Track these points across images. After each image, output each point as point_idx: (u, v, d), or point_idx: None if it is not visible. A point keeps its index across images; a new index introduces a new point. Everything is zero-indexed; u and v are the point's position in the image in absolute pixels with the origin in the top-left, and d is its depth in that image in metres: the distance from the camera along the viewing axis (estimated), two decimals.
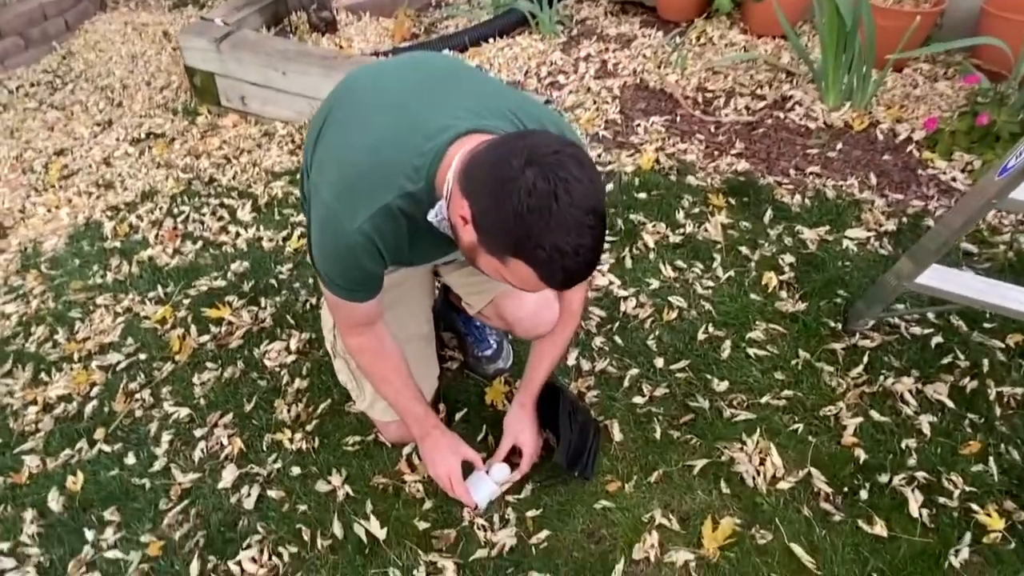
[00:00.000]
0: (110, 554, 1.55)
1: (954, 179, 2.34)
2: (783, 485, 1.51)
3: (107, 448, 1.80)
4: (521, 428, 1.50)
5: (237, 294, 2.22)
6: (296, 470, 1.65)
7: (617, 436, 1.64)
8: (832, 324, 1.87)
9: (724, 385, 1.73)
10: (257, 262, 2.35)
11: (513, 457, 1.52)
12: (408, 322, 1.53)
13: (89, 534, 1.60)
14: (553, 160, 0.88)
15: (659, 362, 1.80)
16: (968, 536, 1.41)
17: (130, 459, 1.76)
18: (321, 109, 1.25)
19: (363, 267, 1.16)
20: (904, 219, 2.19)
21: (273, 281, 2.25)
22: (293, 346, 1.99)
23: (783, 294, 1.97)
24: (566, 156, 0.89)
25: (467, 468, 1.49)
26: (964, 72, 2.72)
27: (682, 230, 2.21)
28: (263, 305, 2.16)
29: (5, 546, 1.59)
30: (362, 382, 1.57)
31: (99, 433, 1.84)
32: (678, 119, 2.77)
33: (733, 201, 2.31)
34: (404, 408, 1.43)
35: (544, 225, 0.87)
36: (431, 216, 1.06)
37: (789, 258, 2.08)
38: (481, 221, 0.94)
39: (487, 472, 1.48)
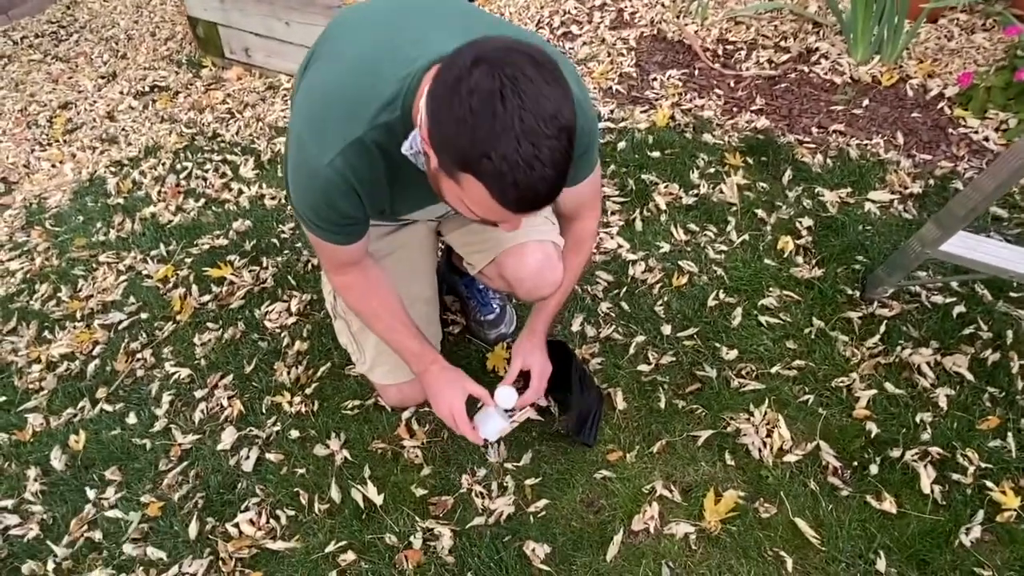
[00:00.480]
0: (111, 513, 1.56)
1: (987, 139, 2.21)
2: (790, 458, 1.47)
3: (109, 408, 1.80)
4: (530, 351, 1.41)
5: (239, 253, 2.18)
6: (295, 433, 1.64)
7: (620, 405, 1.60)
8: (849, 292, 1.79)
9: (733, 354, 1.67)
10: (259, 220, 2.30)
11: (519, 385, 1.44)
12: (410, 285, 1.48)
13: (91, 493, 1.61)
14: (503, 57, 0.76)
15: (666, 329, 1.74)
16: (981, 514, 1.36)
17: (131, 419, 1.76)
18: (307, 54, 1.19)
19: (337, 207, 1.07)
20: (931, 181, 2.09)
21: (275, 240, 2.21)
22: (294, 307, 1.96)
23: (799, 259, 1.89)
24: (520, 54, 0.77)
25: (475, 405, 1.43)
26: (1004, 23, 2.55)
27: (696, 191, 2.12)
28: (264, 265, 2.12)
29: (9, 503, 1.60)
30: (363, 344, 1.53)
31: (101, 392, 1.84)
32: (696, 73, 2.64)
33: (751, 161, 2.21)
34: (399, 345, 1.33)
35: (488, 129, 0.75)
36: (405, 148, 0.94)
37: (807, 221, 1.99)
38: (432, 136, 0.83)
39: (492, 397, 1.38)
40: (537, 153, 0.77)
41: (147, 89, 3.26)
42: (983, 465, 1.43)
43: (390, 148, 0.99)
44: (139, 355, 1.93)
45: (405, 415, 1.64)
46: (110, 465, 1.66)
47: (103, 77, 3.44)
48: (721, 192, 2.11)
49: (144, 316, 2.04)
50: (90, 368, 1.91)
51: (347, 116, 0.99)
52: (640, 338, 1.73)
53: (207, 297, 2.05)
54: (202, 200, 2.46)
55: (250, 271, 2.11)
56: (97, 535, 1.53)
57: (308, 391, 1.73)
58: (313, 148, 1.01)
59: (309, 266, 2.09)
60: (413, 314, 1.39)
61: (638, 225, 2.03)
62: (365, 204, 1.09)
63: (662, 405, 1.59)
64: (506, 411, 1.37)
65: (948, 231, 1.45)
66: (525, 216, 0.88)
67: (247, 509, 1.51)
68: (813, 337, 1.70)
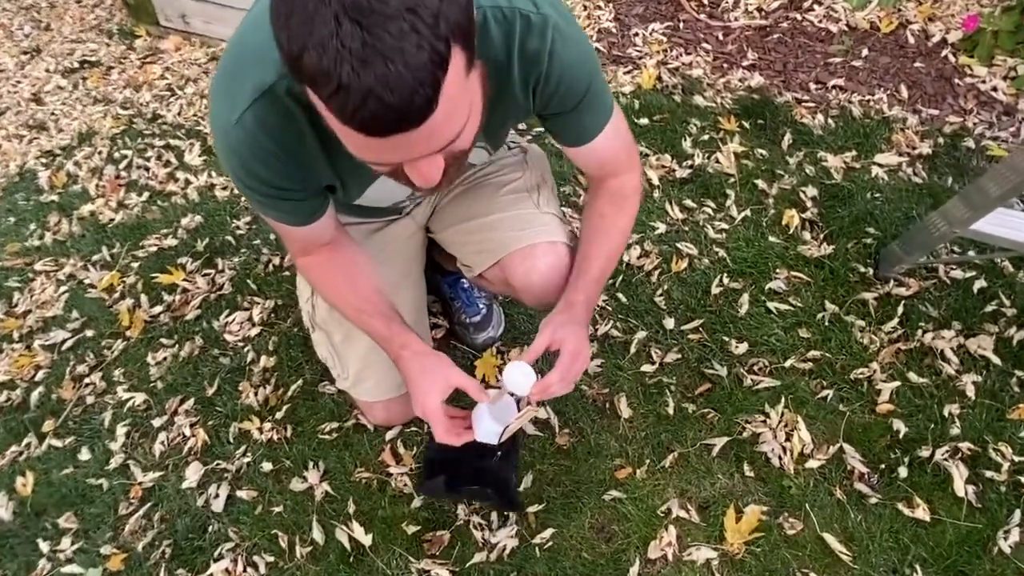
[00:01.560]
0: (68, 569, 1.40)
1: (995, 89, 2.06)
2: (812, 464, 1.36)
3: (57, 443, 1.61)
4: (563, 323, 1.06)
5: (190, 255, 1.97)
6: (267, 466, 1.48)
7: (625, 412, 1.46)
8: (862, 269, 1.66)
9: (743, 347, 1.54)
10: (210, 215, 2.08)
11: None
12: (398, 291, 1.29)
13: (44, 545, 1.44)
14: None
15: (669, 322, 1.60)
16: (1018, 514, 1.27)
17: (84, 455, 1.58)
18: None
19: (257, 174, 0.87)
20: (940, 139, 1.94)
21: (230, 238, 2.00)
22: (256, 316, 1.77)
23: (806, 235, 1.74)
24: None
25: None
26: None
27: (690, 162, 1.95)
28: (220, 267, 1.92)
29: None
30: (346, 358, 1.35)
31: (48, 425, 1.65)
32: (681, 25, 2.43)
33: (747, 124, 2.03)
34: (366, 328, 1.09)
35: (303, 13, 0.55)
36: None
37: (811, 191, 1.84)
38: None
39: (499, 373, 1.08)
40: (370, 39, 0.54)
41: (76, 65, 2.94)
42: (1016, 459, 1.34)
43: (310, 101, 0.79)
44: (87, 379, 1.73)
45: (389, 435, 1.49)
46: (64, 511, 1.49)
47: (25, 53, 3.10)
48: (717, 162, 1.94)
49: (90, 333, 1.83)
50: (33, 397, 1.72)
51: (256, 61, 0.79)
52: (641, 334, 1.59)
53: (158, 308, 1.85)
54: (145, 194, 2.22)
55: (204, 275, 1.90)
56: None
57: (279, 414, 1.56)
58: (224, 105, 0.82)
59: (271, 267, 1.89)
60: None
61: None
62: (295, 174, 0.89)
63: (671, 410, 1.46)
64: (516, 400, 1.08)
65: (980, 211, 1.30)
66: (406, 148, 0.64)
67: (221, 557, 1.36)
68: (827, 323, 1.57)
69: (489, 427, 1.02)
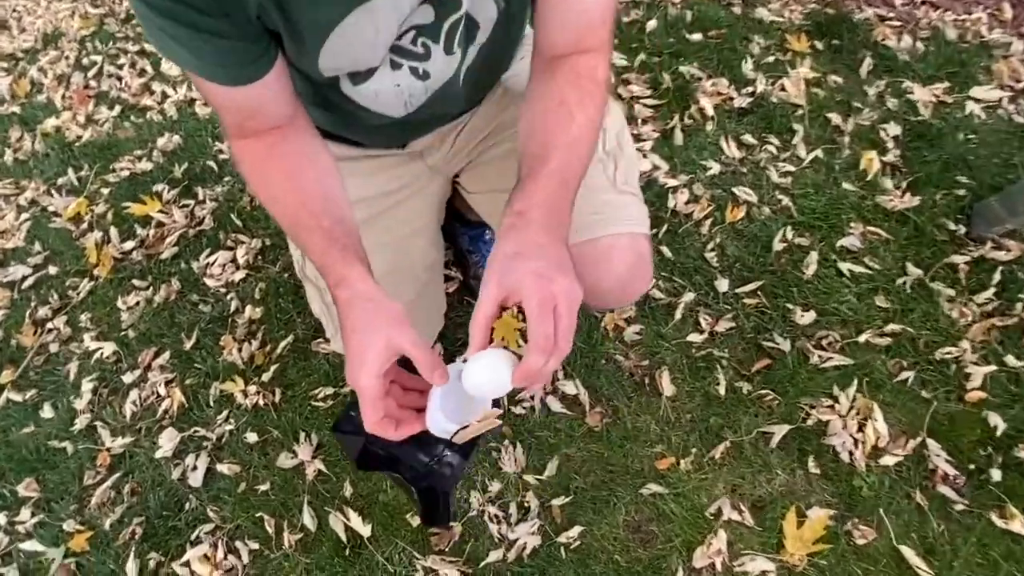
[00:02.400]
0: (28, 545, 1.23)
1: None
2: (888, 460, 1.15)
3: (17, 397, 1.42)
4: (512, 256, 0.64)
5: (167, 181, 1.72)
6: (252, 436, 1.28)
7: (667, 389, 1.25)
8: (952, 226, 1.40)
9: (809, 317, 1.31)
10: (190, 135, 1.81)
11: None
12: (408, 246, 1.04)
13: (1, 516, 1.27)
14: None
15: (721, 284, 1.36)
16: None
17: (46, 412, 1.39)
18: None
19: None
20: None
21: (212, 163, 1.74)
22: (241, 258, 1.53)
23: (887, 182, 1.47)
24: None
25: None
26: None
27: (751, 89, 1.65)
28: (200, 198, 1.67)
29: None
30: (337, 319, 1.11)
31: (6, 375, 1.46)
32: None
33: (819, 45, 1.72)
34: (302, 247, 0.76)
35: None
36: None
37: (894, 129, 1.55)
38: None
39: (462, 367, 0.66)
40: None
41: None
42: None
43: None
44: (50, 324, 1.52)
45: None
46: (23, 476, 1.32)
47: None
48: (783, 90, 1.64)
49: (53, 271, 1.61)
50: None
51: None
52: (688, 296, 1.35)
53: (130, 244, 1.61)
54: (117, 108, 1.94)
55: (182, 207, 1.66)
56: (13, 575, 1.21)
57: (266, 375, 1.35)
58: None
59: (256, 200, 1.64)
60: (406, 288, 0.99)
61: (678, 138, 1.59)
62: None
63: (721, 390, 1.24)
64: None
65: None
66: None
67: (199, 540, 1.19)
68: (909, 290, 1.33)
69: (439, 422, 0.67)
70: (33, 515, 1.27)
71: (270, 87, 0.70)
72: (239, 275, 1.51)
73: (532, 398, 1.26)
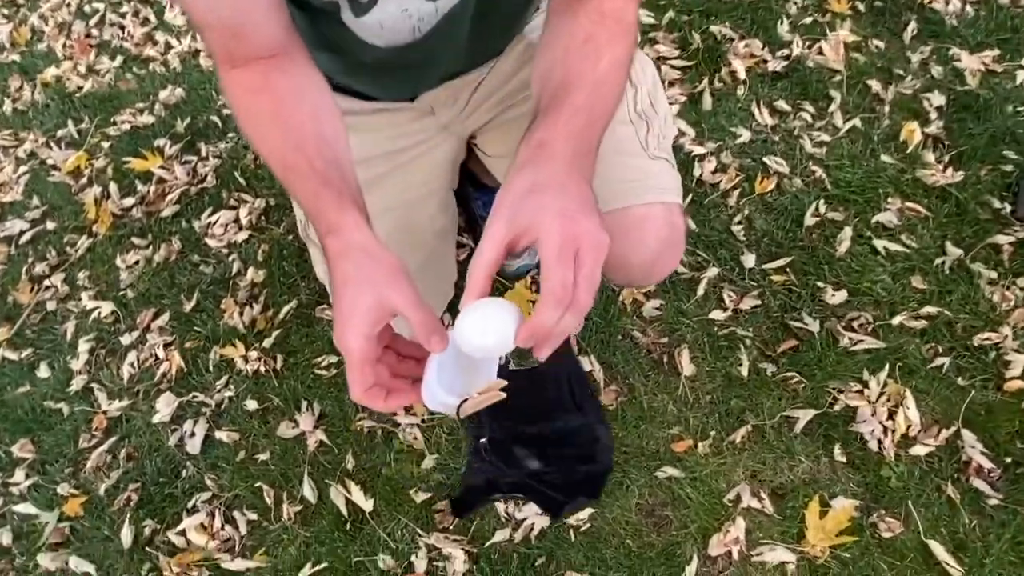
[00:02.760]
0: (22, 508, 1.20)
1: None
2: (919, 450, 1.09)
3: (12, 355, 1.38)
4: (528, 192, 0.55)
5: (169, 136, 1.65)
6: (252, 404, 1.24)
7: (687, 369, 1.19)
8: (996, 204, 1.31)
9: (840, 296, 1.24)
10: (193, 88, 1.74)
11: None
12: (416, 209, 0.97)
13: None
14: None
15: (748, 259, 1.29)
16: None
17: (42, 372, 1.35)
18: None
19: None
20: None
21: (215, 118, 1.67)
22: (244, 218, 1.47)
23: (928, 156, 1.38)
24: None
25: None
26: None
27: (786, 52, 1.55)
28: (203, 154, 1.60)
29: None
30: None
31: (1, 332, 1.42)
32: None
33: (861, 6, 1.61)
34: (293, 193, 0.68)
35: None
36: None
37: (938, 99, 1.45)
38: None
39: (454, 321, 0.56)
40: None
41: None
42: None
43: None
44: (47, 281, 1.48)
45: None
46: (18, 437, 1.28)
47: None
48: (821, 54, 1.54)
49: (51, 226, 1.56)
50: None
51: None
52: (712, 271, 1.28)
53: (130, 200, 1.56)
54: (119, 58, 1.86)
55: (184, 163, 1.59)
56: (6, 537, 1.18)
57: (268, 341, 1.30)
58: None
59: (246, 139, 1.57)
60: (412, 255, 0.92)
61: (706, 102, 1.50)
62: None
63: (744, 371, 1.18)
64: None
65: None
66: None
67: (195, 509, 1.15)
68: (947, 271, 1.25)
69: (436, 395, 0.57)
70: (27, 477, 1.23)
71: (263, 8, 0.62)
72: (242, 236, 1.45)
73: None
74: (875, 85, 1.48)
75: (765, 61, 1.54)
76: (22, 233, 1.56)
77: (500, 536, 1.07)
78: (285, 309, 1.34)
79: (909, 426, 1.11)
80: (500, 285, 1.30)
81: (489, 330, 0.52)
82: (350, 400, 1.18)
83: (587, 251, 0.51)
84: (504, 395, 0.57)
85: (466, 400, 0.57)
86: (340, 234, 0.60)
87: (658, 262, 0.83)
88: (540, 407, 1.11)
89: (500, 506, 1.10)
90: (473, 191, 1.26)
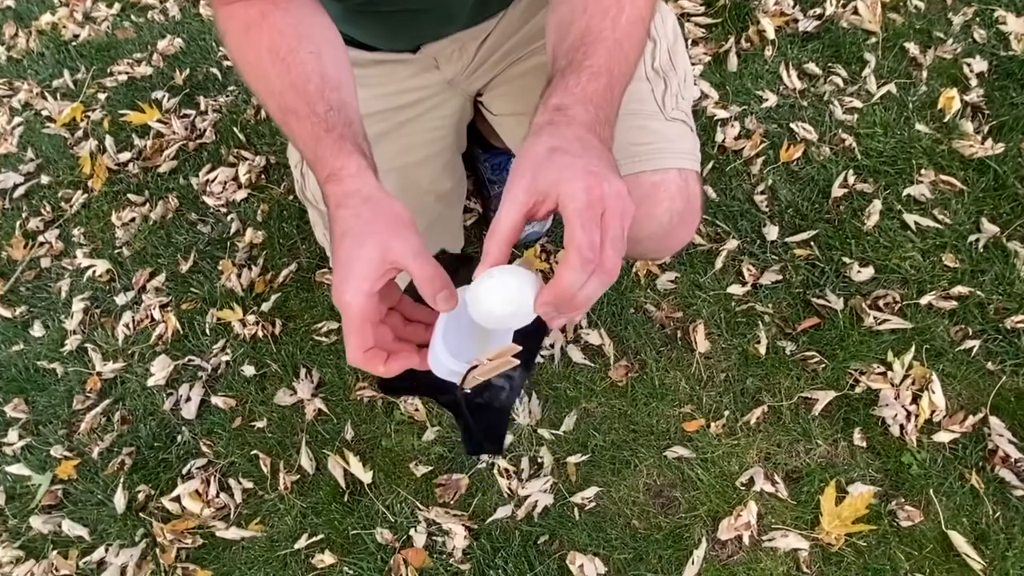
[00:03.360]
0: (15, 469, 1.17)
1: None
2: (943, 436, 1.04)
3: (6, 312, 1.35)
4: (547, 156, 0.49)
5: (167, 88, 1.59)
6: (250, 369, 1.20)
7: (702, 345, 1.13)
8: None
9: (866, 272, 1.17)
10: (193, 39, 1.67)
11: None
12: (418, 170, 0.90)
13: None
14: None
15: (770, 231, 1.22)
16: None
17: (36, 330, 1.32)
18: None
19: None
20: None
21: (215, 70, 1.60)
22: (243, 176, 1.41)
23: (966, 126, 1.30)
24: None
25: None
26: None
27: (818, 10, 1.46)
28: (202, 108, 1.54)
29: None
30: None
31: None
32: None
33: None
34: (292, 138, 0.62)
35: None
36: None
37: (979, 64, 1.36)
38: None
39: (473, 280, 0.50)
40: None
41: None
42: None
43: None
44: (42, 238, 1.43)
45: None
46: (11, 396, 1.26)
47: None
48: (855, 13, 1.44)
49: (45, 180, 1.51)
50: None
51: None
52: (732, 243, 1.22)
53: (126, 155, 1.50)
54: (116, 5, 1.79)
55: (183, 117, 1.53)
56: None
57: (266, 305, 1.26)
58: None
59: (263, 113, 1.51)
60: (419, 219, 0.85)
61: (732, 63, 1.41)
62: None
63: (762, 349, 1.13)
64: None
65: None
66: None
67: (190, 476, 1.12)
68: (981, 250, 1.18)
69: (443, 360, 0.52)
70: (21, 437, 1.21)
71: None
72: (240, 194, 1.39)
73: (552, 346, 1.15)
74: (912, 48, 1.39)
75: (796, 20, 1.45)
76: (16, 187, 1.51)
77: (502, 513, 1.04)
78: (284, 272, 1.29)
79: (934, 411, 1.06)
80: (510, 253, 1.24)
81: (506, 299, 0.47)
82: (350, 368, 1.16)
83: (613, 213, 0.47)
84: (518, 361, 0.52)
85: (475, 367, 0.52)
86: (341, 181, 0.54)
87: (671, 234, 0.76)
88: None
89: (503, 482, 1.06)
90: (480, 152, 1.20)
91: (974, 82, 1.35)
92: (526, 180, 0.48)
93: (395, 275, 0.52)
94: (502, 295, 0.47)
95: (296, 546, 1.04)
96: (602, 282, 0.47)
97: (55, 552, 1.09)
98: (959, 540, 0.98)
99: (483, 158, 1.20)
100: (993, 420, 1.05)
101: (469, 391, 0.59)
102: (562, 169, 0.48)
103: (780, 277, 1.19)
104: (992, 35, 1.40)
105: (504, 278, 0.48)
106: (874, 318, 1.13)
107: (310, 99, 0.59)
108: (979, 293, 1.14)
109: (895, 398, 1.07)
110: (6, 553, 1.10)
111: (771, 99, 1.36)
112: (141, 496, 1.12)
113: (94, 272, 1.36)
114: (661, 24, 0.83)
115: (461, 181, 0.97)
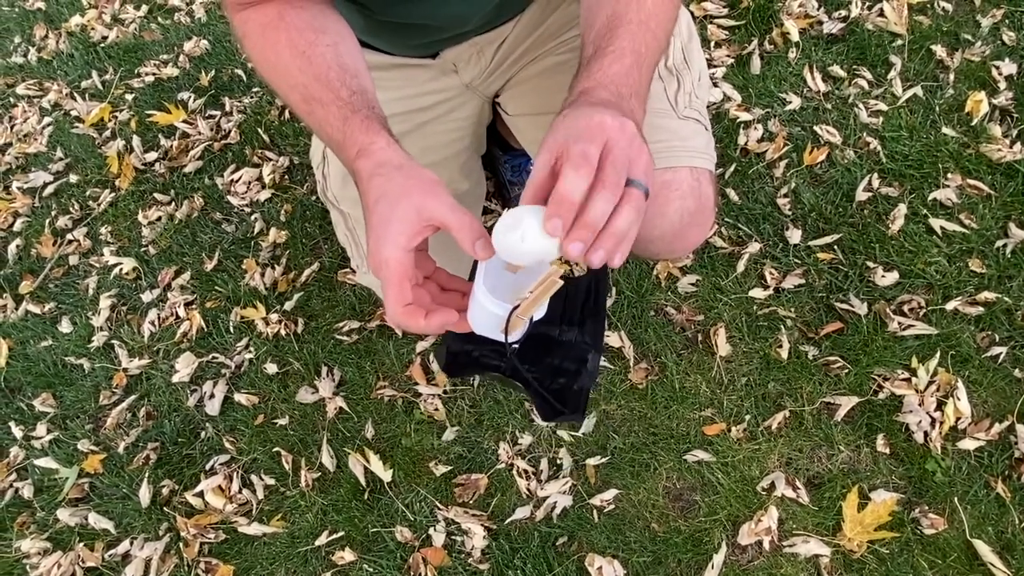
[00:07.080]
0: (43, 462, 1.20)
1: None
2: (968, 444, 1.03)
3: (35, 309, 1.38)
4: (573, 119, 0.52)
5: (193, 89, 1.61)
6: (272, 367, 1.21)
7: (723, 349, 1.13)
8: None
9: (891, 277, 1.16)
10: (218, 40, 1.69)
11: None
12: (437, 172, 0.89)
13: (17, 430, 1.24)
14: None
15: (793, 235, 1.21)
16: None
17: (64, 327, 1.34)
18: None
19: None
20: None
21: (240, 72, 1.62)
22: (267, 176, 1.43)
23: (994, 130, 1.28)
24: None
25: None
26: None
27: (843, 12, 1.45)
28: (227, 109, 1.56)
29: None
30: (364, 245, 1.01)
31: (25, 286, 1.41)
32: None
33: None
34: (317, 127, 0.64)
35: None
36: None
37: (1008, 67, 1.34)
38: None
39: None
40: None
41: None
42: None
43: None
44: (70, 235, 1.46)
45: (420, 346, 1.20)
46: (40, 391, 1.28)
47: None
48: (881, 15, 1.43)
49: (74, 179, 1.54)
50: (11, 250, 1.47)
51: None
52: (754, 247, 1.21)
53: (153, 155, 1.52)
54: (144, 7, 1.82)
55: (208, 118, 1.55)
56: (27, 490, 1.18)
57: (289, 304, 1.27)
58: None
59: (287, 114, 1.52)
60: None
61: (755, 65, 1.40)
62: None
63: (784, 353, 1.12)
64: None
65: None
66: None
67: (213, 471, 1.14)
68: (1009, 255, 1.17)
69: (485, 308, 0.52)
70: (48, 431, 1.23)
71: None
72: (264, 194, 1.41)
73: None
74: (940, 51, 1.37)
75: (820, 22, 1.43)
76: (46, 185, 1.54)
77: (521, 513, 1.04)
78: (307, 272, 1.30)
79: (959, 418, 1.05)
80: None
81: (527, 235, 0.48)
82: (371, 367, 1.17)
83: (617, 143, 0.49)
84: (563, 282, 0.51)
85: (517, 305, 0.52)
86: (372, 154, 0.57)
87: (683, 234, 0.75)
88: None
89: (522, 483, 1.06)
90: (501, 154, 1.20)
91: (1003, 85, 1.33)
92: (549, 139, 0.51)
93: (431, 232, 0.54)
94: (523, 234, 0.48)
95: (316, 543, 1.05)
96: (607, 199, 0.47)
97: (81, 544, 1.11)
98: (984, 549, 0.97)
99: (503, 159, 1.21)
100: (1020, 428, 1.03)
101: (525, 366, 0.60)
102: (577, 119, 0.51)
103: (803, 281, 1.18)
104: (1022, 37, 1.38)
105: (518, 212, 0.49)
106: (898, 323, 1.12)
107: (333, 87, 0.61)
108: (1006, 299, 1.13)
109: (919, 404, 1.06)
110: (34, 544, 1.12)
111: (795, 102, 1.35)
112: (165, 491, 1.14)
113: (121, 270, 1.38)
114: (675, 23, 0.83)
115: (479, 182, 0.97)
